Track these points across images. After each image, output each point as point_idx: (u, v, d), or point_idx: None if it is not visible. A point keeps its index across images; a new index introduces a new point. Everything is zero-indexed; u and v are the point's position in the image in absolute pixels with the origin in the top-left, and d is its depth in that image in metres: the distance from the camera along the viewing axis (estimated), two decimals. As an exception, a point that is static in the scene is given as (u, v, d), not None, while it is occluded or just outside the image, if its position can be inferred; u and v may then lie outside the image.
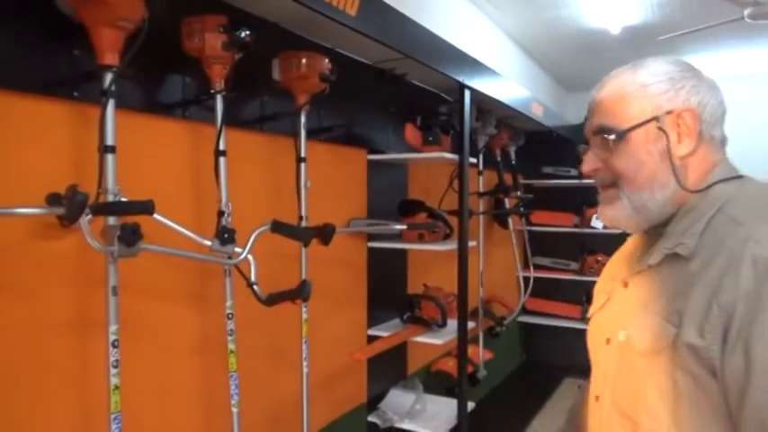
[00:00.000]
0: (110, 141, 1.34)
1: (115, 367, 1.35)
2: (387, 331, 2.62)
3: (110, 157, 1.34)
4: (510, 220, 4.17)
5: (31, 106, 1.34)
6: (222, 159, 1.65)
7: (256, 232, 1.61)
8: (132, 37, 1.33)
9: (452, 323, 2.67)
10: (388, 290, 2.80)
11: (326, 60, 1.91)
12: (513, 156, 4.09)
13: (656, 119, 0.85)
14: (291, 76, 1.87)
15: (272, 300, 1.54)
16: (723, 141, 0.89)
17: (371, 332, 2.65)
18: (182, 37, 1.59)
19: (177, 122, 1.71)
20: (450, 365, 3.23)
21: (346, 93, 2.05)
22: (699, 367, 0.76)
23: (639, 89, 0.87)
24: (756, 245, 0.74)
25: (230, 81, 1.63)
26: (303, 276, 1.98)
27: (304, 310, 1.98)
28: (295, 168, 1.97)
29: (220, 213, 1.64)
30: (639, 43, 4.23)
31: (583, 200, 4.43)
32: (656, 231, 0.89)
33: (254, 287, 1.58)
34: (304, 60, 1.85)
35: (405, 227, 2.42)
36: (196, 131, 1.76)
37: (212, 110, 1.68)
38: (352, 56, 2.34)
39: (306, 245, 1.63)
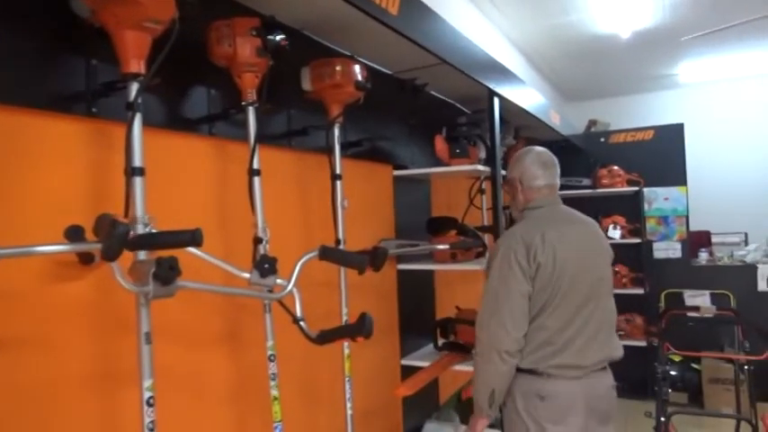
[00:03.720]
0: (137, 162, 1.14)
1: (151, 430, 1.14)
2: (420, 360, 2.41)
3: (138, 180, 1.14)
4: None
5: (39, 124, 1.14)
6: (257, 179, 1.45)
7: (302, 260, 1.41)
8: (157, 42, 1.15)
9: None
10: (418, 315, 2.60)
11: (360, 67, 1.73)
12: (527, 167, 3.93)
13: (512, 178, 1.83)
14: (325, 85, 1.68)
15: (324, 338, 1.33)
16: (541, 188, 1.78)
17: (405, 362, 2.44)
18: (209, 43, 1.41)
19: (201, 140, 1.52)
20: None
21: (368, 105, 1.86)
22: None
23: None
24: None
25: (263, 92, 1.44)
26: (342, 307, 1.79)
27: (345, 345, 1.77)
28: (330, 187, 1.78)
29: (257, 240, 1.44)
30: (651, 47, 4.14)
31: (597, 209, 4.29)
32: None
33: (302, 323, 1.38)
34: (338, 67, 1.66)
35: (446, 246, 2.23)
36: (221, 149, 1.56)
37: (240, 125, 1.49)
38: (371, 64, 2.16)
39: (361, 272, 1.43)
